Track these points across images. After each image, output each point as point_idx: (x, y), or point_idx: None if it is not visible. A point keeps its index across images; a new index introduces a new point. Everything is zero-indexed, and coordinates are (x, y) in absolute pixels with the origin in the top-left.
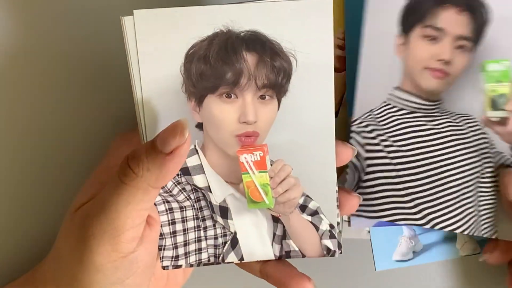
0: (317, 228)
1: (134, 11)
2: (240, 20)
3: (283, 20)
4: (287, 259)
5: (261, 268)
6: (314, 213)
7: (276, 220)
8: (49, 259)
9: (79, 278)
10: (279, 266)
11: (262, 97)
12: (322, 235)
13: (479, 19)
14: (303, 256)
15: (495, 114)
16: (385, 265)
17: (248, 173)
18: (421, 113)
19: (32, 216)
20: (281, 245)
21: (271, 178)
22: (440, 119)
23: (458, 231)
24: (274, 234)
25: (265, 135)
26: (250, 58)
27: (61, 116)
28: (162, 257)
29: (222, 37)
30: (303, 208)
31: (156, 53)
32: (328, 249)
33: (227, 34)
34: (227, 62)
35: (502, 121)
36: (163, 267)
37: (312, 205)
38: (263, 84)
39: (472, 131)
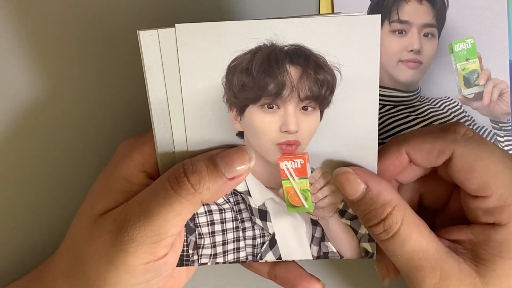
0: (356, 232)
1: (176, 25)
2: (284, 34)
3: (328, 35)
4: (296, 262)
5: (269, 270)
6: (354, 217)
7: (315, 223)
8: (59, 259)
9: (103, 276)
10: (288, 267)
11: (304, 108)
12: (361, 238)
13: (438, 5)
14: (341, 257)
15: (470, 91)
16: None
17: (288, 179)
18: (403, 105)
19: (37, 217)
20: (319, 246)
21: (311, 184)
22: (422, 107)
23: None
24: (313, 236)
25: (307, 144)
26: (293, 71)
27: (67, 121)
28: (201, 255)
29: (265, 50)
30: (342, 213)
31: (197, 65)
32: (367, 252)
33: (270, 47)
34: (269, 74)
35: (478, 96)
36: (202, 264)
37: (351, 210)
38: (306, 96)
39: (453, 112)
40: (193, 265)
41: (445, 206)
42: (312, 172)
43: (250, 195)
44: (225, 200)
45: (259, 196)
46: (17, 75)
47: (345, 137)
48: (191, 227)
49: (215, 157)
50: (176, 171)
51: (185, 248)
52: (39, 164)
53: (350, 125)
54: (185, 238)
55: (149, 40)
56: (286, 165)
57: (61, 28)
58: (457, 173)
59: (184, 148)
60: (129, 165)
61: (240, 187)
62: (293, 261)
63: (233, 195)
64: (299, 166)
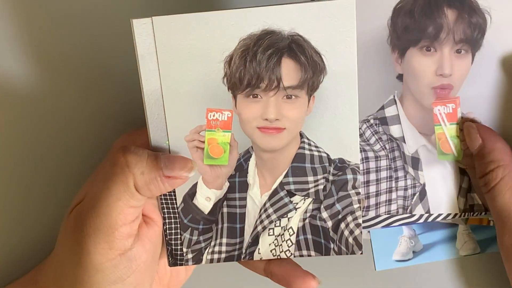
0: None
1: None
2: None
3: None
4: (291, 258)
5: (265, 267)
6: None
7: (463, 172)
8: (50, 260)
9: (79, 279)
10: (284, 264)
11: (458, 51)
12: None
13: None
14: (485, 211)
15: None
16: (385, 265)
17: (440, 125)
18: None
19: (33, 216)
20: (466, 198)
21: (461, 130)
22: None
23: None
24: (460, 187)
25: (459, 88)
26: (450, 14)
27: (62, 117)
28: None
29: None
30: None
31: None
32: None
33: None
34: (429, 17)
35: None
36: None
37: None
38: (460, 39)
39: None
40: (187, 264)
41: None
42: (462, 117)
43: (404, 142)
44: (381, 147)
45: (412, 143)
46: (10, 73)
47: (493, 81)
48: (185, 223)
49: (159, 154)
50: (117, 150)
51: (179, 247)
52: (37, 164)
53: (499, 69)
54: (179, 236)
55: (143, 29)
56: (439, 109)
57: (56, 24)
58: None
59: (178, 139)
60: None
61: (396, 133)
62: (289, 258)
63: (389, 141)
64: (451, 111)
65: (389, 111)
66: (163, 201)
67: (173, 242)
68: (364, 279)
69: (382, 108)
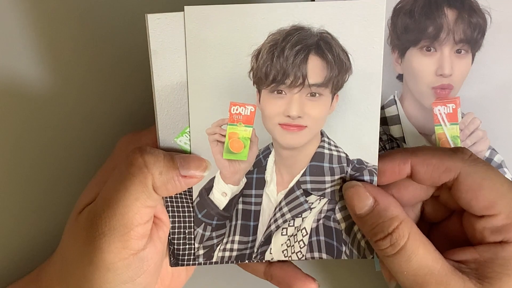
0: None
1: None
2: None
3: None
4: (291, 261)
5: (265, 270)
6: (499, 166)
7: None
8: (54, 260)
9: (89, 278)
10: (284, 267)
11: (458, 51)
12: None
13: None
14: None
15: None
16: None
17: (441, 125)
18: None
19: (35, 215)
20: None
21: (461, 130)
22: None
23: None
24: None
25: (459, 89)
26: (450, 14)
27: (66, 116)
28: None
29: None
30: (488, 161)
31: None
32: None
33: None
34: (429, 17)
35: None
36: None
37: (497, 159)
38: (460, 39)
39: None
40: (196, 261)
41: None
42: (462, 117)
43: (404, 142)
44: (381, 147)
45: (412, 143)
46: (23, 72)
47: (494, 81)
48: (199, 218)
49: (174, 154)
50: (133, 151)
51: (181, 247)
52: (40, 163)
53: (500, 69)
54: (192, 230)
55: (157, 24)
56: (439, 109)
57: (70, 26)
58: (464, 193)
59: (199, 132)
60: (121, 158)
61: (396, 133)
62: (289, 261)
63: (389, 141)
64: (451, 111)
65: (389, 111)
66: (168, 199)
67: (175, 242)
68: (364, 279)
69: (382, 108)
